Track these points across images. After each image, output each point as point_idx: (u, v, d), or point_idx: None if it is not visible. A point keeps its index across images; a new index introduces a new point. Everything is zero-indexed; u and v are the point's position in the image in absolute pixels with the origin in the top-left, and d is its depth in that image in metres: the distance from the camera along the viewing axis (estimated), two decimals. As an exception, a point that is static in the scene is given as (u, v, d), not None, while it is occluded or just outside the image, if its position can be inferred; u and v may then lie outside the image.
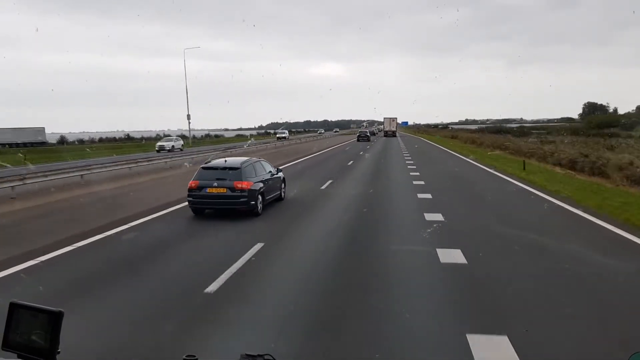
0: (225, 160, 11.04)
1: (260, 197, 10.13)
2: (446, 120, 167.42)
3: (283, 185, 12.12)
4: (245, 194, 9.71)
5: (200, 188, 9.81)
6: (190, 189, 9.89)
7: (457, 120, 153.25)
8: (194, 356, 1.43)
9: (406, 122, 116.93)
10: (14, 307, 1.41)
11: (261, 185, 10.32)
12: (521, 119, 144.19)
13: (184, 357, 1.42)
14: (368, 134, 59.67)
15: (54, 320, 1.35)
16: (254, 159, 11.47)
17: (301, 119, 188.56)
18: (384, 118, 77.06)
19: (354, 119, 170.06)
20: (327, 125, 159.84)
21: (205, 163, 10.71)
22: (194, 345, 3.86)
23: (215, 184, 9.75)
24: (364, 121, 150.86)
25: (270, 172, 11.31)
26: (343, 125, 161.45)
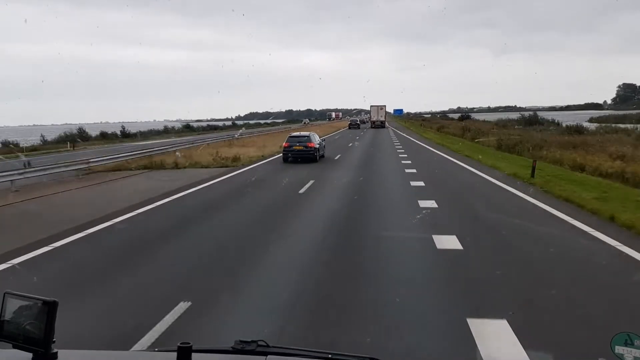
0: (300, 133, 26.26)
1: (317, 152, 23.50)
2: (435, 109, 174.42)
3: (324, 148, 25.74)
4: (312, 149, 23.13)
5: (290, 146, 23.31)
6: (285, 147, 23.51)
7: (447, 109, 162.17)
8: (189, 343, 1.63)
9: (400, 111, 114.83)
10: (7, 297, 1.59)
11: (318, 146, 23.84)
12: (515, 106, 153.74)
13: (178, 344, 1.63)
14: (358, 122, 78.15)
15: (49, 310, 1.53)
16: (312, 132, 26.56)
17: (284, 108, 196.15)
18: (371, 106, 76.59)
19: (340, 107, 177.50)
20: (311, 115, 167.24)
21: (290, 135, 25.14)
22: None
23: (298, 144, 23.22)
24: (351, 110, 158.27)
25: (319, 140, 24.99)
26: (323, 115, 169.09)
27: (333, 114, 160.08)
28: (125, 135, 61.59)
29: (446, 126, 62.83)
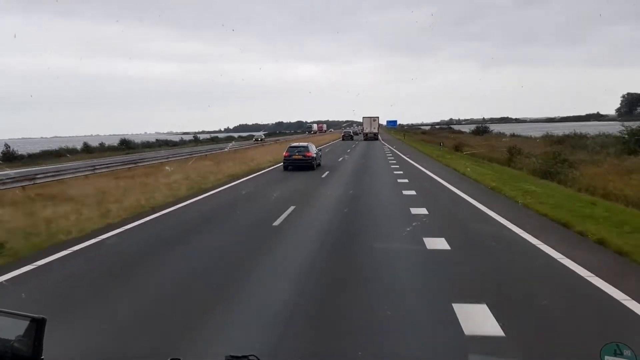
0: (299, 143, 28.44)
1: (314, 160, 26.57)
2: (426, 120, 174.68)
3: (321, 157, 29.00)
4: (310, 159, 26.09)
5: (290, 156, 26.32)
6: (285, 157, 26.58)
7: (438, 120, 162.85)
8: (179, 359, 1.73)
9: (394, 122, 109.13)
10: None
11: (315, 155, 26.88)
12: (508, 117, 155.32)
13: (169, 359, 1.73)
14: (352, 134, 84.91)
15: (37, 326, 1.58)
16: (310, 143, 29.06)
17: (274, 120, 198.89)
18: (363, 118, 77.72)
19: (331, 119, 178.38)
20: (301, 126, 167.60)
21: (290, 145, 27.82)
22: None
23: (297, 154, 26.24)
24: (340, 121, 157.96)
25: (316, 150, 28.02)
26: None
27: (314, 126, 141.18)
28: (9, 157, 46.71)
29: (466, 143, 45.74)
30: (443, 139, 56.65)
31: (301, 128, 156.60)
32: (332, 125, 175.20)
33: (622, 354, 1.86)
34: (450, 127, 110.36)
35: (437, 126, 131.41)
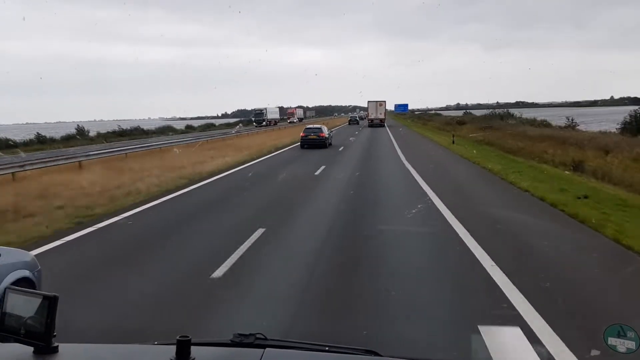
0: (313, 125, 38.22)
1: (327, 140, 34.26)
2: (432, 105, 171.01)
3: (332, 137, 37.30)
4: (324, 138, 33.75)
5: (306, 136, 33.98)
6: (302, 137, 34.18)
7: (444, 105, 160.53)
8: (187, 336, 1.80)
9: (404, 107, 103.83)
10: (8, 292, 1.84)
11: (327, 135, 34.77)
12: (523, 102, 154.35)
13: (177, 337, 1.81)
14: (357, 119, 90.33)
15: (49, 304, 1.76)
16: (323, 125, 38.50)
17: (276, 104, 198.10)
18: (368, 102, 75.07)
19: (334, 104, 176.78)
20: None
21: (306, 127, 36.64)
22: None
23: (312, 134, 34.02)
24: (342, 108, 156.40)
25: (328, 131, 36.14)
26: (320, 111, 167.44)
27: (272, 111, 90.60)
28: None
29: None
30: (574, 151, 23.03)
31: (247, 116, 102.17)
32: (336, 110, 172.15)
33: (626, 335, 1.97)
34: (509, 112, 66.30)
35: (465, 110, 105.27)
